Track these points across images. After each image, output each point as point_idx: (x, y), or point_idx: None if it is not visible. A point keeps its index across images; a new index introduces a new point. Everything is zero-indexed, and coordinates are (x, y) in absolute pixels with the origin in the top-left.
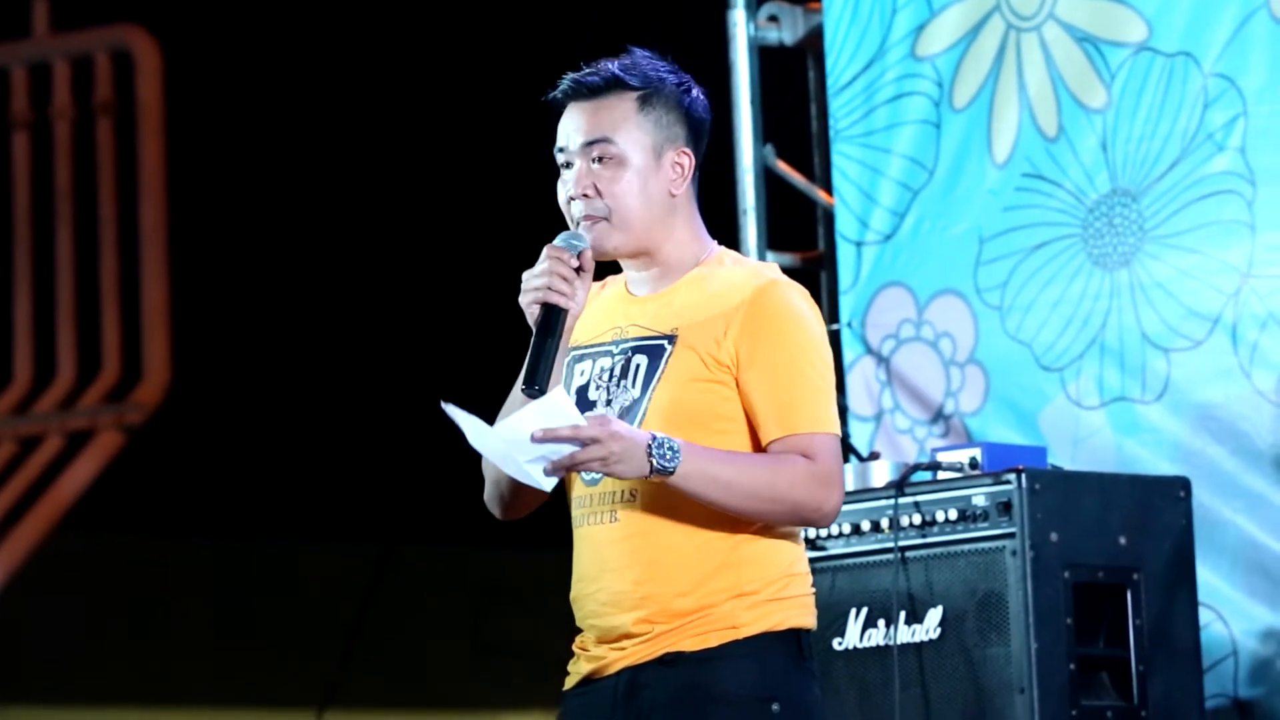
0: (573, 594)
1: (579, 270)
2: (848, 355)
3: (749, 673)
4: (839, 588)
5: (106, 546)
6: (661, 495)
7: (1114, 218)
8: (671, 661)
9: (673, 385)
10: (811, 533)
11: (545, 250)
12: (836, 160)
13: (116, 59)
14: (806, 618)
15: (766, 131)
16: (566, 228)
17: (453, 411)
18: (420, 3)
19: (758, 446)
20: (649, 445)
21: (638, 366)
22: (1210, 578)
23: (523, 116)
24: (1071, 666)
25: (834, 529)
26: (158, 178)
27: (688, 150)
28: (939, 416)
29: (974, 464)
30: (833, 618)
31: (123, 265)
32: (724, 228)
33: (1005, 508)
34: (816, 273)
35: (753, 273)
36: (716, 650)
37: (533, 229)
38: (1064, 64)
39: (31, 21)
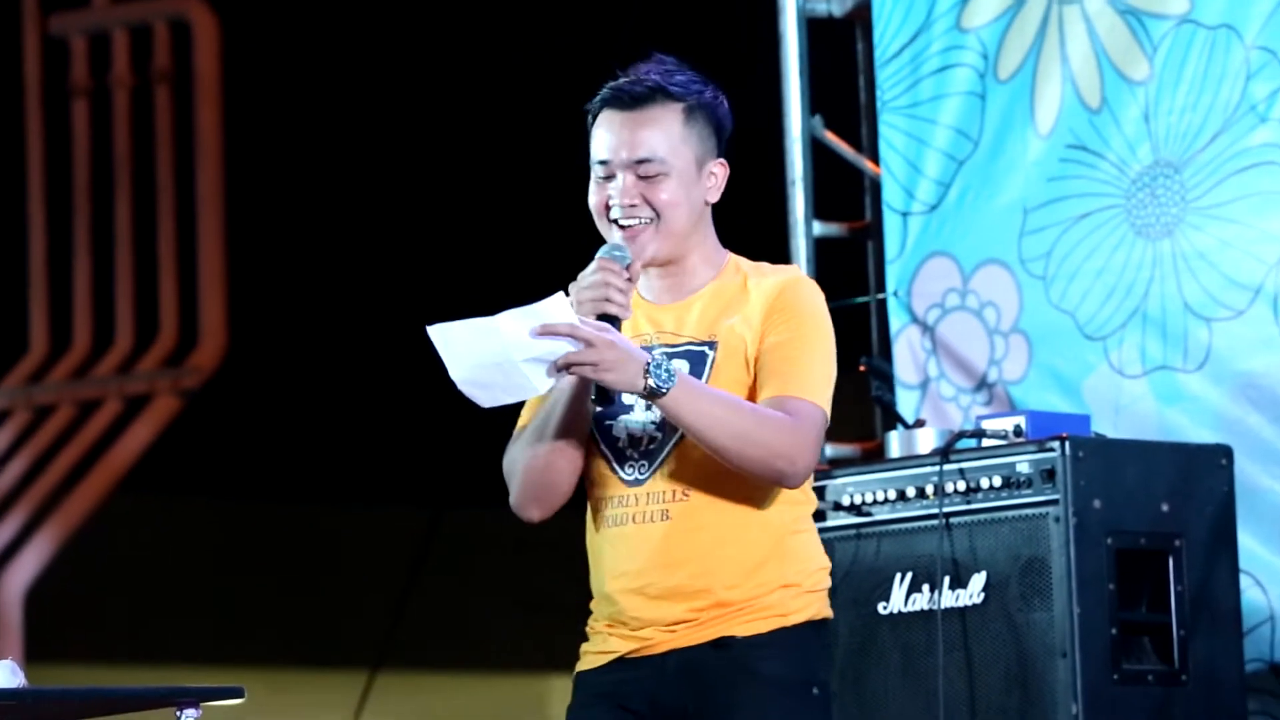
0: (611, 587)
1: (628, 280)
2: (894, 324)
3: (795, 659)
4: (884, 553)
5: (162, 510)
6: (712, 492)
7: (1156, 189)
8: (724, 645)
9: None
10: (858, 498)
11: (597, 261)
12: (883, 131)
13: (175, 28)
14: (829, 608)
15: (815, 102)
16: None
17: (436, 332)
18: None
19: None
20: (648, 364)
21: None
22: (1250, 544)
23: (576, 92)
24: (1113, 631)
25: (879, 494)
26: (215, 146)
27: (723, 161)
28: (983, 384)
29: (1018, 431)
30: (878, 582)
31: (180, 232)
32: (772, 197)
33: (1049, 475)
34: (864, 242)
35: (778, 271)
36: (767, 636)
37: (572, 211)
38: (1107, 36)
39: None
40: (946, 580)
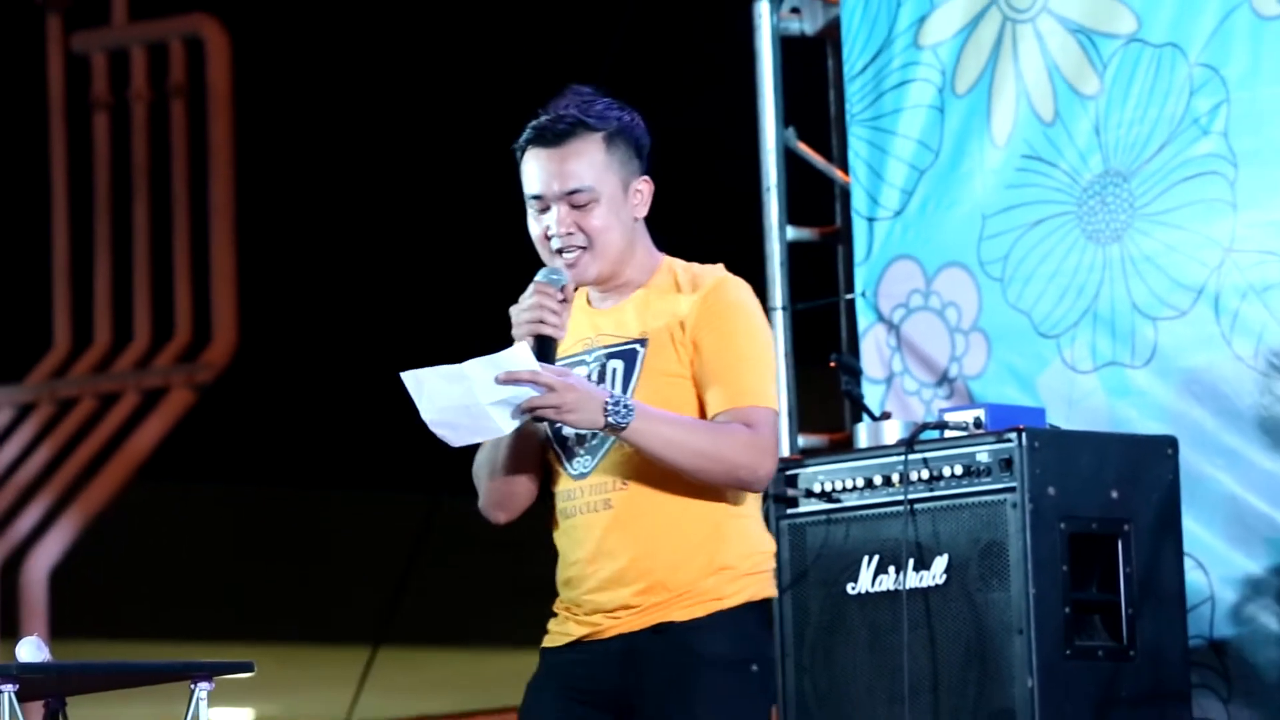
0: (566, 575)
1: (563, 301)
2: (861, 323)
3: (732, 639)
4: (853, 537)
5: (177, 496)
6: (650, 483)
7: (1106, 196)
8: (663, 630)
9: (650, 383)
10: (828, 485)
11: (532, 286)
12: (851, 142)
13: (189, 46)
14: (771, 589)
15: (788, 115)
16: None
17: (408, 378)
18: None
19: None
20: (606, 402)
21: (614, 370)
22: (1193, 529)
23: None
24: (1066, 610)
25: (848, 482)
26: (226, 155)
27: (646, 178)
28: (945, 379)
29: (978, 423)
30: (847, 565)
31: (194, 236)
32: (748, 204)
33: (1007, 464)
34: (834, 246)
35: (703, 273)
36: (704, 620)
37: None
38: (1059, 53)
39: (111, 10)
40: (911, 562)
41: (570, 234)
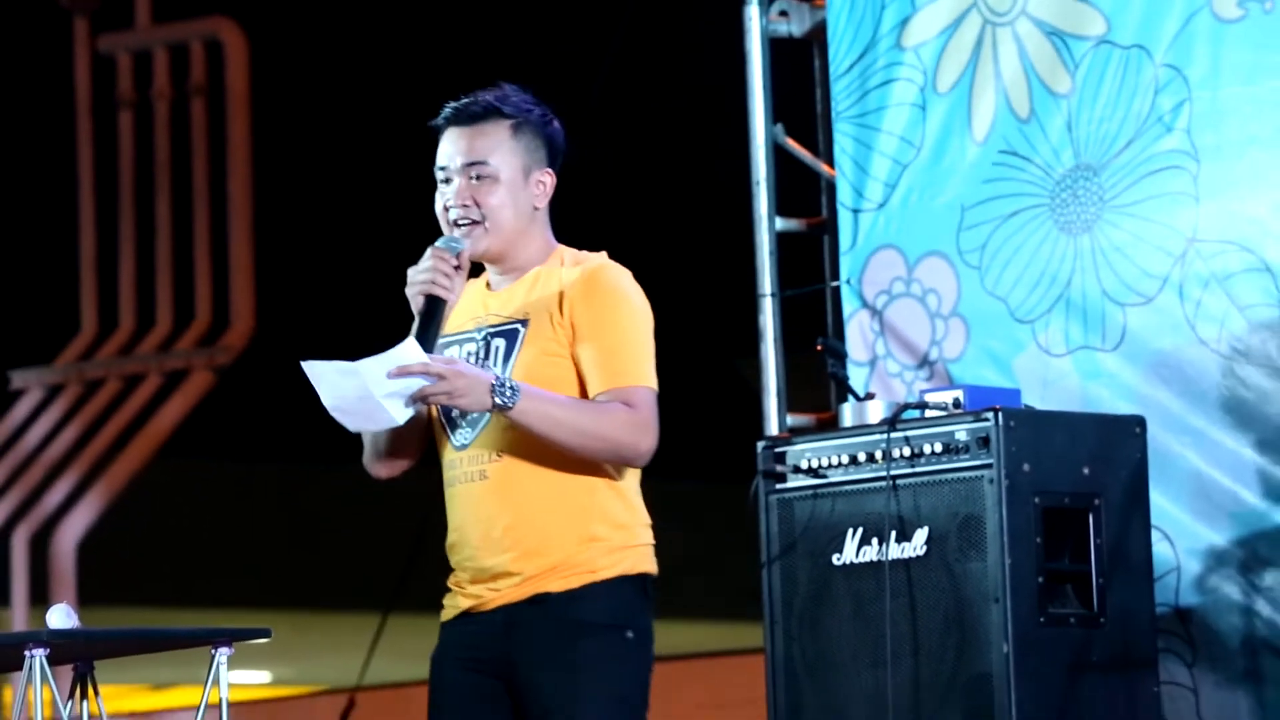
0: (450, 541)
1: (457, 268)
2: (847, 309)
3: (607, 607)
4: (838, 511)
5: (198, 472)
6: (523, 454)
7: (1078, 189)
8: (541, 601)
9: (527, 360)
10: (815, 462)
11: (429, 250)
12: (837, 138)
13: (209, 47)
14: (649, 564)
15: (777, 112)
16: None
17: (309, 367)
18: (467, 4)
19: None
20: (492, 385)
21: (497, 348)
22: (1160, 503)
23: (567, 105)
24: (1040, 579)
25: (834, 459)
26: (244, 151)
27: (550, 171)
28: (925, 362)
29: (957, 404)
30: (832, 537)
31: (213, 227)
32: (739, 197)
33: (984, 442)
34: (820, 236)
35: (585, 258)
36: (579, 591)
37: (564, 205)
38: (1034, 54)
39: (135, 13)
40: (893, 535)
41: (466, 206)
